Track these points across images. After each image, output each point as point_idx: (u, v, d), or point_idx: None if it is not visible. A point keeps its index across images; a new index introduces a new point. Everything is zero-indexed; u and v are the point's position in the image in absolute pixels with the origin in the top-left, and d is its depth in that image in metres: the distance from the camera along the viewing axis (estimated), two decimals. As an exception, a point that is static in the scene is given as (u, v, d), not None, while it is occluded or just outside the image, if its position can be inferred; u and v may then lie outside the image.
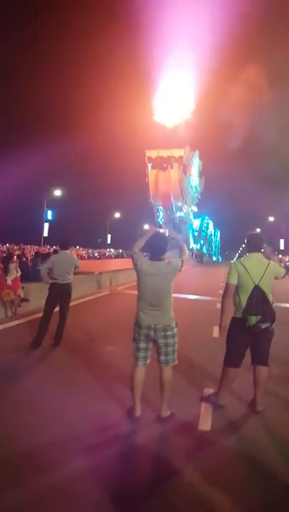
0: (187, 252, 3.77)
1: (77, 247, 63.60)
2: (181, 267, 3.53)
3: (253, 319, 3.58)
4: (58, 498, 2.39)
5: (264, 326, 3.60)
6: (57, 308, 6.06)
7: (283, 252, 63.04)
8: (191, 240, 65.95)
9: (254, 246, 3.93)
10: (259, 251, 3.92)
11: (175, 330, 3.50)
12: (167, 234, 3.84)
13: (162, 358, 3.46)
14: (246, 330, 3.66)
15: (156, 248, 3.53)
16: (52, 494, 2.41)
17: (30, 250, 30.89)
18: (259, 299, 3.63)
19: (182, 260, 3.57)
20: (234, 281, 3.77)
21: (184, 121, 62.06)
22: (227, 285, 3.82)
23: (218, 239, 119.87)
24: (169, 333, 3.43)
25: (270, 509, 2.36)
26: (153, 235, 3.64)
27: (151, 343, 3.48)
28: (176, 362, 3.54)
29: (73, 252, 43.88)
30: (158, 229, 3.97)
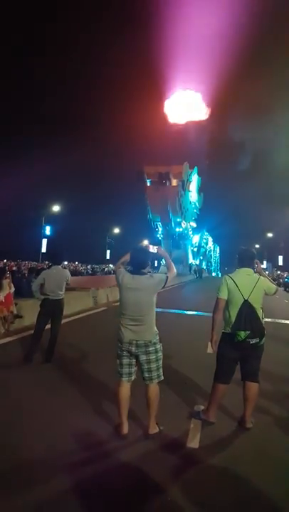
0: (175, 271, 3.72)
1: (76, 262, 63.60)
2: (166, 282, 3.48)
3: (242, 334, 3.57)
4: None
5: (253, 341, 3.59)
6: (49, 325, 6.03)
7: (282, 268, 63.06)
8: (190, 256, 65.95)
9: (245, 261, 3.94)
10: (250, 266, 3.93)
11: (158, 346, 3.46)
12: (156, 251, 3.82)
13: (146, 375, 3.42)
14: (235, 345, 3.65)
15: (137, 261, 3.51)
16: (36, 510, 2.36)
17: (27, 266, 30.87)
18: (248, 315, 3.62)
19: (167, 277, 3.52)
20: (224, 296, 3.77)
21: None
22: (217, 300, 3.82)
23: (218, 255, 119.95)
24: (150, 348, 3.39)
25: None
26: (133, 249, 3.63)
27: (134, 359, 3.44)
28: (162, 378, 3.49)
29: (70, 268, 43.97)
30: (146, 244, 3.96)
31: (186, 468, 2.99)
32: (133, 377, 3.49)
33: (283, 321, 12.26)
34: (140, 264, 3.52)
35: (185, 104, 70.34)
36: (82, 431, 3.53)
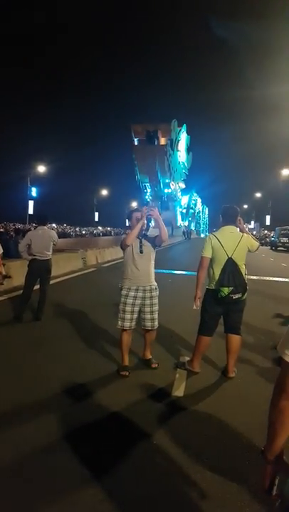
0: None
1: (64, 224, 62.99)
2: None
3: (226, 291, 3.69)
4: (29, 449, 2.49)
5: (236, 296, 3.70)
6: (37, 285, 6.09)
7: (269, 228, 63.58)
8: (179, 217, 65.74)
9: (228, 219, 3.98)
10: (233, 223, 3.97)
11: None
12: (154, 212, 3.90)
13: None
14: (219, 301, 3.77)
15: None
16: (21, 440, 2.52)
17: (14, 228, 30.53)
18: (231, 271, 3.71)
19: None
20: (209, 254, 3.84)
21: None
22: (202, 258, 3.89)
23: (207, 216, 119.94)
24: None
25: (236, 470, 2.49)
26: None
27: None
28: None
29: (58, 230, 43.55)
30: (147, 206, 4.03)
31: (170, 415, 3.16)
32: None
33: (269, 278, 12.59)
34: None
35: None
36: (69, 379, 3.70)
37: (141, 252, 3.89)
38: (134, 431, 2.87)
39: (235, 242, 3.81)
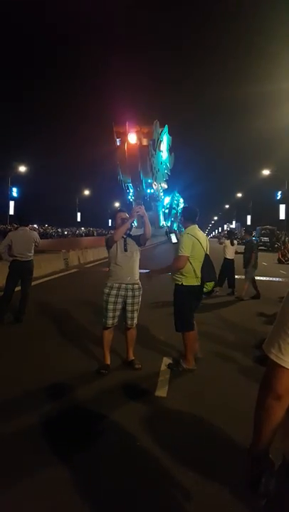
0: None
1: (46, 225, 62.27)
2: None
3: (210, 285, 3.90)
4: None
5: (217, 290, 3.91)
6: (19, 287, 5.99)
7: (250, 227, 64.39)
8: (162, 217, 65.93)
9: (194, 217, 4.17)
10: (195, 222, 4.15)
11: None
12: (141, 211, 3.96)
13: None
14: (199, 296, 3.99)
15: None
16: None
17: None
18: (210, 267, 3.93)
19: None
20: (189, 252, 3.89)
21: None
22: (182, 257, 3.86)
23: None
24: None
25: (219, 469, 2.50)
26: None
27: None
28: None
29: (40, 231, 42.99)
30: (138, 205, 4.13)
31: (153, 416, 3.14)
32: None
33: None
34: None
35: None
36: (49, 380, 3.64)
37: (125, 250, 3.92)
38: (116, 432, 2.85)
39: (205, 239, 4.09)
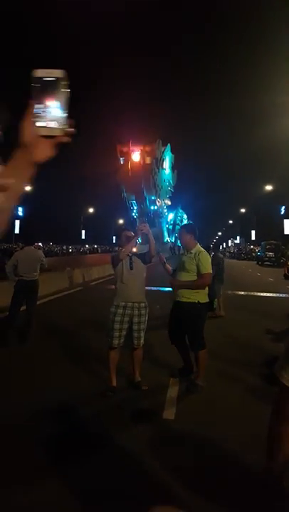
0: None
1: (50, 243, 62.63)
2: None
3: (215, 302, 3.91)
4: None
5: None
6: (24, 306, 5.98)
7: (254, 243, 64.42)
8: (166, 233, 66.17)
9: (196, 235, 4.17)
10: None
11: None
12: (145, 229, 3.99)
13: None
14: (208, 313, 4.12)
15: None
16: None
17: (1, 248, 30.21)
18: (212, 284, 4.07)
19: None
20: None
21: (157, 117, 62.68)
22: (209, 275, 3.99)
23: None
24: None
25: (231, 494, 2.42)
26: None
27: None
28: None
29: (44, 249, 43.21)
30: (142, 223, 4.17)
31: (161, 439, 3.07)
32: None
33: (257, 294, 12.67)
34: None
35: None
36: (55, 402, 3.58)
37: (131, 268, 3.89)
38: (123, 456, 2.77)
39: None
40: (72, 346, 5.69)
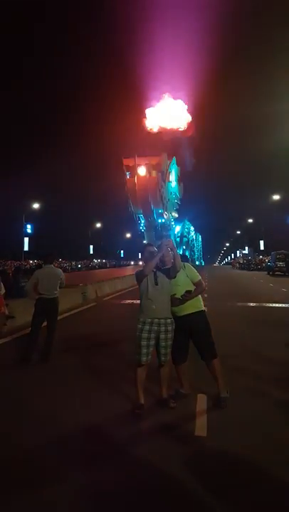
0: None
1: (60, 259, 62.97)
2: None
3: None
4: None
5: None
6: (44, 324, 6.01)
7: (263, 253, 64.03)
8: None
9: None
10: None
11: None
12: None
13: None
14: None
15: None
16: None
17: (11, 266, 30.46)
18: None
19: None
20: None
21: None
22: (202, 280, 4.26)
23: (200, 243, 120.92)
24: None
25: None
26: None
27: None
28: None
29: (54, 265, 43.44)
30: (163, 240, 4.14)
31: (195, 458, 3.03)
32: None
33: (271, 305, 12.55)
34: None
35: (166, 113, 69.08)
36: (82, 422, 3.59)
37: (156, 283, 3.90)
38: (157, 478, 2.74)
39: None
40: (94, 363, 5.68)
